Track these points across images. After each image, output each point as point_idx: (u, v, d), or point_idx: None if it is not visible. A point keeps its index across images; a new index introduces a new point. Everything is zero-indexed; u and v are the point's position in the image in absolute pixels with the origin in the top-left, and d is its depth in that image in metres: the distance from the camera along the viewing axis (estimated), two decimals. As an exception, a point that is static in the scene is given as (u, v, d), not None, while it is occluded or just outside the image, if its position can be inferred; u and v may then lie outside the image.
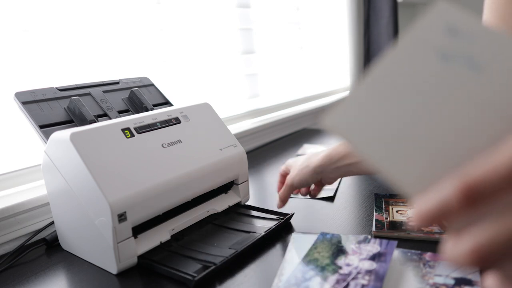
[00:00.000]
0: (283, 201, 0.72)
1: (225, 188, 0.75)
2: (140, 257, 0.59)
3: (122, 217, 0.55)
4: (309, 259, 0.56)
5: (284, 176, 0.76)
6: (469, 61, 0.26)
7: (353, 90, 0.28)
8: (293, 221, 0.71)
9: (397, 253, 0.57)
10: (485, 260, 0.21)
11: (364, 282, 0.49)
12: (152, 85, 0.86)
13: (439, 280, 0.50)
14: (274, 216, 0.71)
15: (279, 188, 0.75)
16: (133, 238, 0.58)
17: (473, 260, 0.21)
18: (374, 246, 0.57)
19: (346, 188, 0.87)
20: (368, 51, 1.99)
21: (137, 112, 0.77)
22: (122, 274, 0.58)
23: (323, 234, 0.62)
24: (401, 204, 0.74)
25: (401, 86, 0.27)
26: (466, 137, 0.24)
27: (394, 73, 0.27)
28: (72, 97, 0.70)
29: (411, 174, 0.25)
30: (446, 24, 0.27)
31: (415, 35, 0.27)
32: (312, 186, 0.75)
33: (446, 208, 0.21)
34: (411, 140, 0.25)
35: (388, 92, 0.27)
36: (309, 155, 0.71)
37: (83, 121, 0.69)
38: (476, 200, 0.21)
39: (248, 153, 0.79)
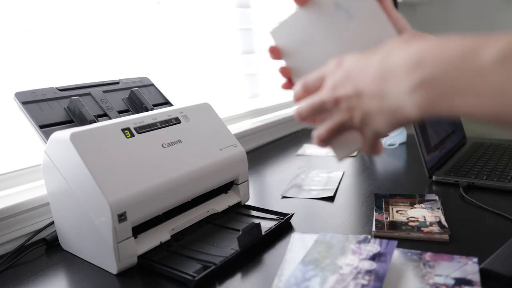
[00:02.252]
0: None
1: (225, 188, 0.75)
2: (140, 257, 0.59)
3: (122, 217, 0.55)
4: (309, 259, 0.56)
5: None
6: (346, 10, 0.43)
7: (289, 18, 0.47)
8: (293, 221, 0.71)
9: (397, 253, 0.57)
10: (324, 141, 0.43)
11: (364, 282, 0.49)
12: (152, 85, 0.86)
13: (439, 280, 0.50)
14: (274, 216, 0.71)
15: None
16: (133, 238, 0.58)
17: (317, 141, 0.43)
18: (374, 246, 0.57)
19: (346, 188, 0.87)
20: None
21: (137, 112, 0.77)
22: (122, 274, 0.58)
23: (323, 234, 0.62)
24: (401, 204, 0.74)
25: (313, 22, 0.45)
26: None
27: (312, 13, 0.45)
28: (72, 97, 0.70)
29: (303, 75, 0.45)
30: None
31: None
32: None
33: (316, 110, 0.42)
34: (312, 58, 0.46)
35: (305, 26, 0.46)
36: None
37: (83, 121, 0.69)
38: (317, 112, 0.42)
39: (248, 153, 0.79)
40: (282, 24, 0.48)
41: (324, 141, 0.43)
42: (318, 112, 0.42)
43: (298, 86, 0.43)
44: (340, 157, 0.45)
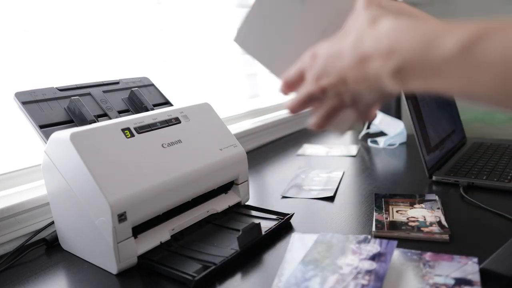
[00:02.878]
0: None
1: (225, 188, 0.75)
2: (140, 257, 0.59)
3: (122, 217, 0.55)
4: (309, 259, 0.56)
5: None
6: None
7: (245, 19, 0.47)
8: (293, 221, 0.71)
9: (397, 253, 0.57)
10: (321, 127, 0.44)
11: (364, 282, 0.49)
12: (152, 85, 0.86)
13: (439, 280, 0.50)
14: (274, 216, 0.71)
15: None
16: (133, 238, 0.58)
17: (315, 128, 0.45)
18: (374, 246, 0.57)
19: (346, 188, 0.87)
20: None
21: (137, 112, 0.77)
22: (122, 274, 0.58)
23: (323, 234, 0.62)
24: (401, 204, 0.74)
25: (270, 16, 0.47)
26: (303, 44, 0.45)
27: (266, 9, 0.46)
28: (72, 97, 0.70)
29: (280, 68, 0.47)
30: None
31: None
32: None
33: (305, 103, 0.44)
34: (280, 49, 0.48)
35: (264, 22, 0.47)
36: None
37: (83, 121, 0.69)
38: (306, 104, 0.44)
39: (248, 153, 0.79)
40: (242, 28, 0.48)
41: (322, 127, 0.45)
42: (308, 103, 0.44)
43: (281, 83, 0.46)
44: (341, 132, 0.48)
